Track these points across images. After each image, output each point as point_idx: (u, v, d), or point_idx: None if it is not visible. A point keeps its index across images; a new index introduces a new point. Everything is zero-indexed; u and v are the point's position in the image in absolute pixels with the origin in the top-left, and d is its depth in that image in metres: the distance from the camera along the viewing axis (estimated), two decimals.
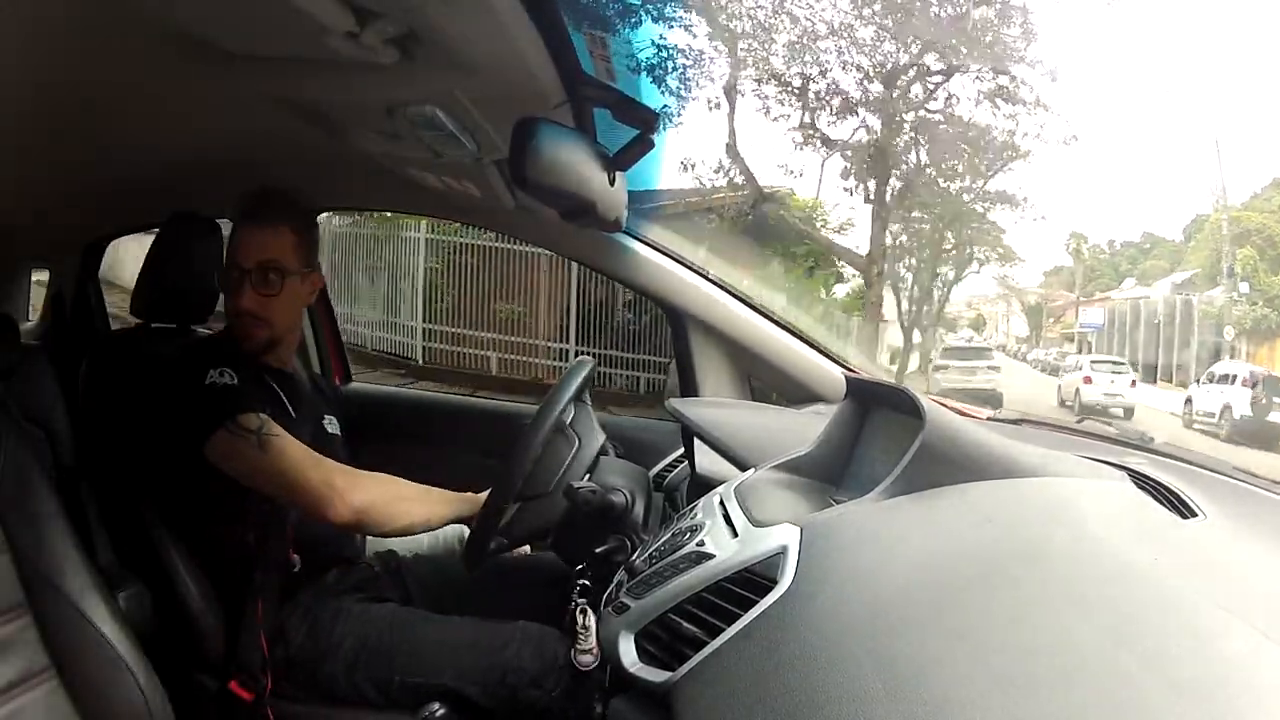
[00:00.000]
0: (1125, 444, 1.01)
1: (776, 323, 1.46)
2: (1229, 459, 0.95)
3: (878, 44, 8.03)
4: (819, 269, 8.71)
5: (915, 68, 8.19)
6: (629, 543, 1.00)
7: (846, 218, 9.07)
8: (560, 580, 1.09)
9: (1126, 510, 0.64)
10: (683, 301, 1.45)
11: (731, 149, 8.37)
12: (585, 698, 0.98)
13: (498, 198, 1.29)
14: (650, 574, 0.75)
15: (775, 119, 8.41)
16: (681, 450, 1.36)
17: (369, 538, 1.26)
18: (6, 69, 0.87)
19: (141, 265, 1.37)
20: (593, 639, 0.95)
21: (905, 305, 9.97)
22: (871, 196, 8.71)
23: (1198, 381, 9.13)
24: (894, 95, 8.25)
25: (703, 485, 1.02)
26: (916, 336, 10.34)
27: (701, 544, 0.72)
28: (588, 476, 1.04)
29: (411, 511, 1.12)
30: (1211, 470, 0.89)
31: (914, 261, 10.03)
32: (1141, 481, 0.72)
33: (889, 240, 9.40)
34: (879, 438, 0.86)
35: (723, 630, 0.61)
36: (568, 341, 7.13)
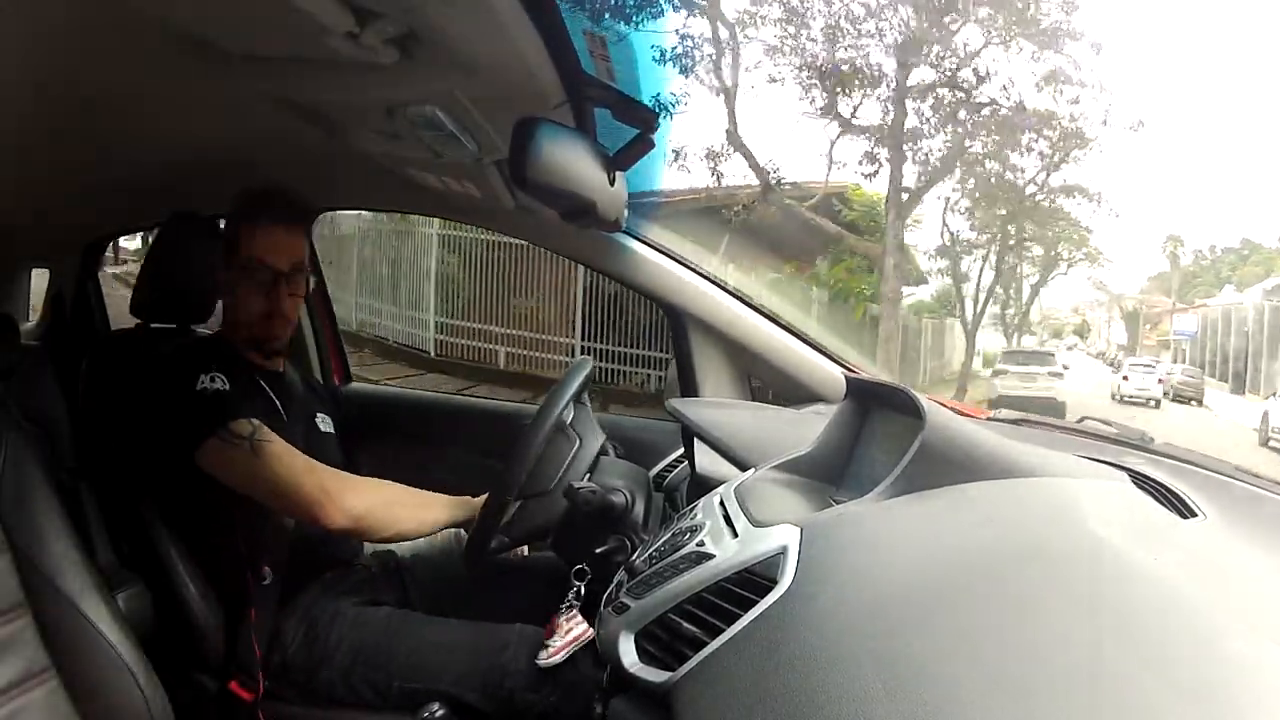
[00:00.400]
0: (1125, 444, 1.01)
1: (776, 323, 1.46)
2: None
3: (923, 24, 7.63)
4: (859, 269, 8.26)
5: (960, 48, 7.73)
6: (629, 543, 0.99)
7: (915, 214, 8.56)
8: (560, 581, 1.09)
9: (1126, 510, 0.64)
10: (683, 301, 1.45)
11: (733, 135, 8.01)
12: (584, 699, 0.97)
13: (498, 198, 1.29)
14: (650, 574, 0.75)
15: (812, 107, 8.00)
16: (681, 450, 1.36)
17: None
18: (6, 69, 0.87)
19: (141, 265, 1.37)
20: (560, 641, 0.95)
21: (971, 307, 9.61)
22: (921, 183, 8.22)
23: (1276, 395, 8.50)
24: (943, 79, 7.80)
25: (703, 485, 1.02)
26: (1003, 341, 10.00)
27: (701, 544, 0.72)
28: (588, 476, 1.04)
29: (408, 517, 1.12)
30: (1211, 470, 0.89)
31: (985, 259, 9.52)
32: (1141, 481, 0.72)
33: (947, 238, 9.04)
34: (879, 438, 0.86)
35: (723, 630, 0.60)
36: (574, 336, 7.12)
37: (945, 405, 0.86)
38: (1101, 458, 0.80)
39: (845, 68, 7.83)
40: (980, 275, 9.70)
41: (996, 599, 0.51)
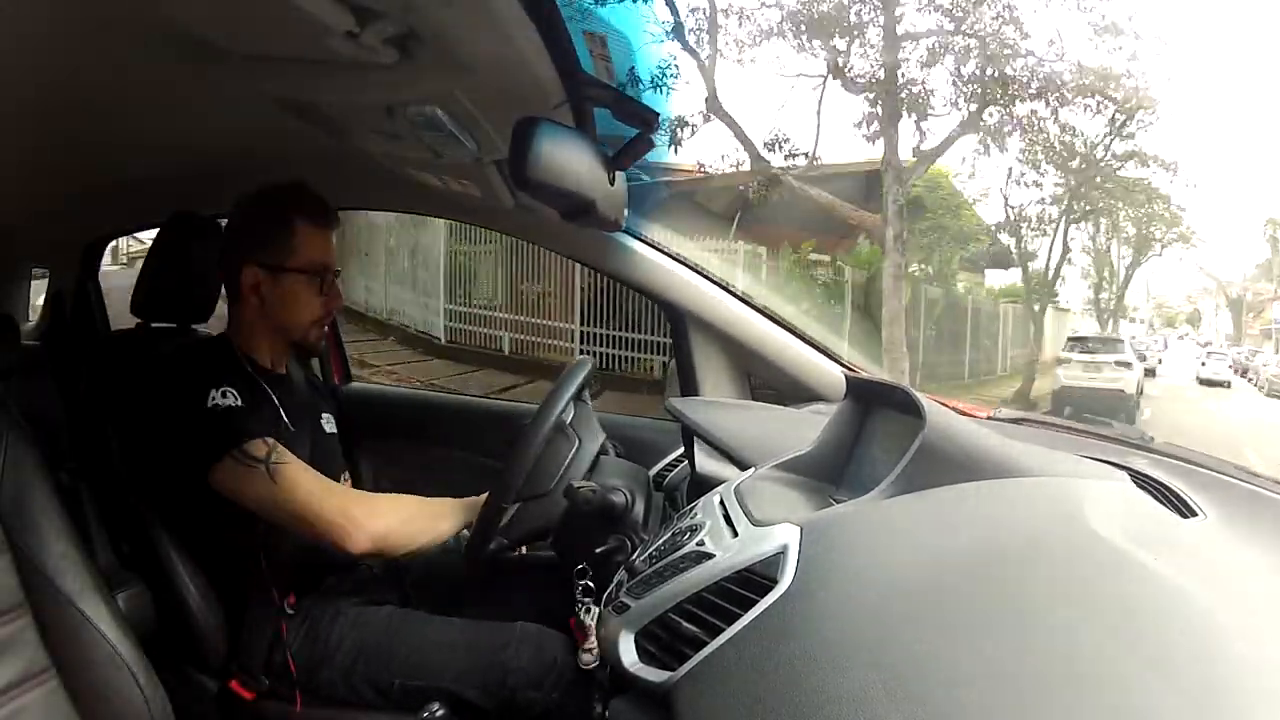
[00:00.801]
0: (1125, 444, 1.01)
1: (776, 321, 1.46)
2: None
3: None
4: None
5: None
6: (629, 543, 0.99)
7: (983, 188, 7.76)
8: (559, 580, 1.09)
9: (1126, 510, 0.64)
10: (683, 300, 1.45)
11: (713, 101, 7.39)
12: (585, 698, 0.98)
13: (498, 197, 1.29)
14: (650, 574, 0.75)
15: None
16: (681, 450, 1.36)
17: None
18: (6, 69, 0.87)
19: (142, 265, 1.37)
20: (594, 638, 0.95)
21: (1034, 287, 8.73)
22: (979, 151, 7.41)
23: None
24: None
25: (703, 485, 1.01)
26: (1095, 327, 9.23)
27: (701, 544, 0.72)
28: (588, 476, 1.04)
29: (425, 530, 1.10)
30: (1212, 470, 0.89)
31: (1054, 235, 8.49)
32: (1141, 481, 0.72)
33: (1010, 214, 8.08)
34: (879, 437, 0.86)
35: (723, 630, 0.60)
36: (574, 322, 7.08)
37: (946, 405, 0.86)
38: (1102, 457, 0.80)
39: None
40: (1050, 253, 8.70)
41: (997, 599, 0.51)
